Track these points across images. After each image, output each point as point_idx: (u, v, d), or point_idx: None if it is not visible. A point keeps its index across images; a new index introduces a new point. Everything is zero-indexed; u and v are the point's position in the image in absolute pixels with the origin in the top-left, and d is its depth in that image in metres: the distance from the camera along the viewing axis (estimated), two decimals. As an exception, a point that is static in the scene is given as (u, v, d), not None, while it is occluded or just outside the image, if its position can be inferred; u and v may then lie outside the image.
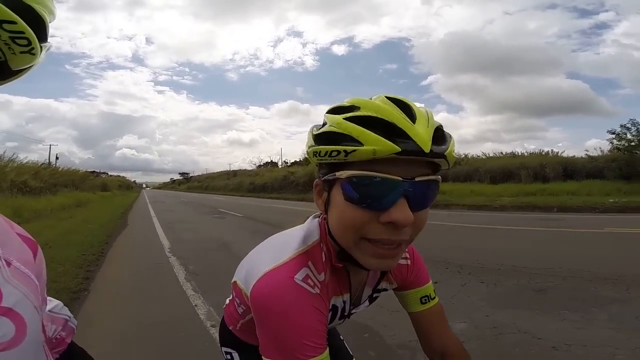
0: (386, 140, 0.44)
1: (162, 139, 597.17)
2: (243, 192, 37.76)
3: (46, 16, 0.33)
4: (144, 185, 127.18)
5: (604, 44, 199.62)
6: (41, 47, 0.34)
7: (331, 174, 0.50)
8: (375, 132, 0.45)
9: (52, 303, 0.63)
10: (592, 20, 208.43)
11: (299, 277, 0.52)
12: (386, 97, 0.50)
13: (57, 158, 38.30)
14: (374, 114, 0.47)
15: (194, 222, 9.28)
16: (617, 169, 14.91)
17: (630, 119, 14.81)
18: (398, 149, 0.44)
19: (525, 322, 2.43)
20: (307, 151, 0.55)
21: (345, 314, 0.67)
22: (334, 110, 0.52)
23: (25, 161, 17.46)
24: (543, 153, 21.07)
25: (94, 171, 50.04)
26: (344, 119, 0.48)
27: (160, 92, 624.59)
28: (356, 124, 0.46)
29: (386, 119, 0.46)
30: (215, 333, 2.27)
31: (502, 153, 22.92)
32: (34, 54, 0.33)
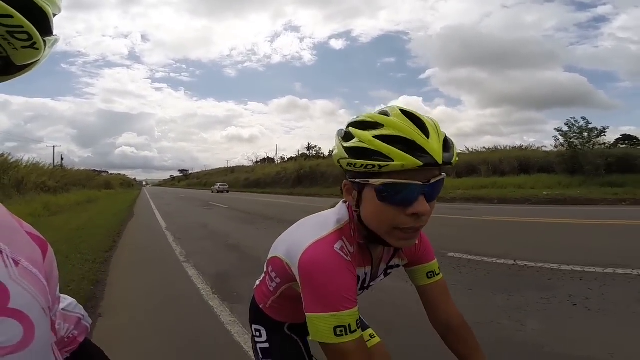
0: (411, 157, 0.57)
1: (161, 136, 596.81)
2: (239, 187, 39.77)
3: (48, 8, 0.32)
4: (144, 183, 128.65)
5: (602, 37, 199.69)
6: (45, 41, 0.33)
7: (364, 180, 0.62)
8: (400, 149, 0.57)
9: (66, 301, 0.64)
10: (590, 13, 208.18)
11: (337, 246, 0.67)
12: (400, 111, 0.62)
13: (62, 159, 40.42)
14: (397, 133, 0.59)
15: (186, 212, 11.61)
16: (563, 163, 16.75)
17: (569, 118, 16.68)
18: (420, 163, 0.57)
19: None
20: (338, 160, 0.66)
21: (365, 285, 0.81)
22: (358, 125, 0.63)
23: (30, 162, 19.57)
24: (529, 147, 22.50)
25: (95, 170, 52.41)
26: (373, 137, 0.60)
27: (158, 89, 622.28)
28: (384, 142, 0.58)
29: (407, 137, 0.58)
30: (182, 258, 4.38)
31: (469, 149, 25.10)
32: (37, 49, 0.32)
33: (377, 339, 1.01)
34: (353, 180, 0.65)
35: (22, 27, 0.29)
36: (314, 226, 0.72)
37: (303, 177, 26.14)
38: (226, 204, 14.63)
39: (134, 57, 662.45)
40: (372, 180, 0.60)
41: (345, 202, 0.74)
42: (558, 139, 17.21)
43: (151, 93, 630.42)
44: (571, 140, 16.53)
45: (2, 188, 12.26)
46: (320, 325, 0.62)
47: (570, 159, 16.48)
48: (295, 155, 44.47)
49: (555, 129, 17.30)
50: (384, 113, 0.63)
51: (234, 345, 2.18)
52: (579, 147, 16.25)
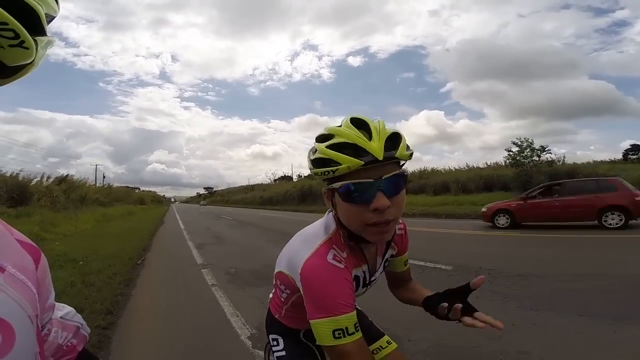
0: (353, 158, 0.65)
1: (189, 153, 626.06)
2: (255, 204, 43.90)
3: (40, 7, 0.31)
4: (173, 200, 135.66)
5: (625, 42, 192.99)
6: (36, 41, 0.32)
7: (330, 186, 0.72)
8: (346, 154, 0.66)
9: (64, 310, 0.64)
10: (609, 18, 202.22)
11: (329, 257, 0.74)
12: (351, 119, 0.70)
13: (104, 177, 46.58)
14: (344, 140, 0.67)
15: (201, 221, 15.82)
16: (516, 180, 18.46)
17: (515, 139, 18.48)
18: (362, 162, 0.64)
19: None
20: (311, 172, 0.74)
21: (367, 282, 0.88)
22: (318, 138, 0.72)
23: (84, 180, 24.59)
24: (493, 165, 24.92)
25: (127, 186, 58.80)
26: (325, 147, 0.68)
27: (186, 108, 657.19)
28: (333, 150, 0.67)
29: (351, 142, 0.66)
30: (194, 247, 8.17)
31: (447, 169, 27.78)
32: (27, 48, 0.31)
33: (393, 346, 1.08)
34: (326, 187, 0.74)
35: (7, 24, 0.29)
36: (307, 240, 0.79)
37: (306, 195, 29.97)
38: (231, 217, 18.91)
39: (164, 77, 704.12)
40: (334, 185, 0.70)
41: (331, 210, 0.80)
42: (507, 159, 18.94)
43: (180, 112, 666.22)
44: (517, 159, 18.43)
45: (72, 202, 16.84)
46: (321, 330, 0.68)
47: (517, 177, 18.51)
48: (307, 174, 48.49)
49: (505, 149, 19.07)
50: (341, 124, 0.72)
51: (201, 282, 5.94)
52: (525, 165, 18.19)
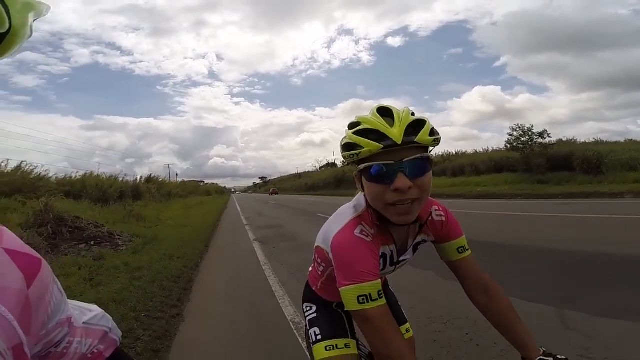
0: (373, 142, 0.72)
1: (244, 146, 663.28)
2: (302, 191, 49.17)
3: None
4: (233, 190, 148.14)
5: None
6: (4, 4, 0.27)
7: (358, 168, 0.79)
8: (369, 139, 0.73)
9: (90, 314, 0.59)
10: None
11: (357, 231, 0.82)
12: (378, 108, 0.78)
13: (177, 174, 55.45)
14: (368, 126, 0.75)
15: (253, 205, 21.19)
16: (520, 163, 20.37)
17: (514, 124, 20.14)
18: (381, 146, 0.71)
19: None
20: (342, 156, 0.82)
21: (395, 261, 0.93)
22: (349, 126, 0.80)
23: (167, 179, 31.50)
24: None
25: (194, 180, 68.25)
26: (352, 133, 0.77)
27: (236, 103, 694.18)
28: (358, 135, 0.75)
29: (374, 128, 0.74)
30: (244, 219, 13.00)
31: (461, 152, 29.64)
32: None
33: (410, 334, 1.17)
34: (357, 170, 0.81)
35: None
36: (339, 217, 0.89)
37: (340, 180, 34.16)
38: (275, 201, 24.15)
39: (213, 76, 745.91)
40: (360, 166, 0.78)
41: (362, 192, 0.85)
42: (509, 142, 20.59)
43: (232, 107, 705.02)
44: (515, 144, 20.13)
45: (161, 196, 23.12)
46: (348, 296, 0.76)
47: (518, 160, 20.28)
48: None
49: (507, 133, 20.67)
50: (369, 113, 0.79)
51: (243, 228, 10.68)
52: (525, 149, 19.84)
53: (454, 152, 31.59)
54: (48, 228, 6.47)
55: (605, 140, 23.37)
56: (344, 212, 0.90)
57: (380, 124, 0.74)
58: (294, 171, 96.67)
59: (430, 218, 0.91)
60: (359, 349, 1.06)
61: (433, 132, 0.75)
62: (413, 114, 0.77)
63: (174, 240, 6.99)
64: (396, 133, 0.72)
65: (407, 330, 1.18)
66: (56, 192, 11.21)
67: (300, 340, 2.37)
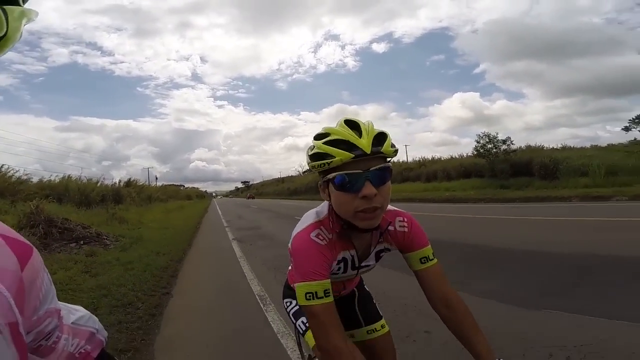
0: (345, 152, 0.77)
1: (226, 150, 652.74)
2: (284, 195, 49.77)
3: None
4: (214, 194, 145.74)
5: None
6: (5, 11, 0.30)
7: (325, 177, 0.83)
8: (340, 148, 0.78)
9: (77, 314, 0.60)
10: None
11: (313, 234, 0.89)
12: (345, 120, 0.83)
13: (156, 178, 54.86)
14: (338, 137, 0.79)
15: (234, 209, 21.66)
16: (487, 169, 21.73)
17: (481, 132, 21.37)
18: (352, 155, 0.77)
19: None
20: (308, 166, 0.86)
21: (356, 266, 1.00)
22: (316, 137, 0.84)
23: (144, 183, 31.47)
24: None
25: (174, 184, 67.73)
26: (322, 143, 0.80)
27: (219, 106, 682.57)
28: (329, 145, 0.79)
29: (344, 138, 0.79)
30: (225, 222, 13.63)
31: (431, 158, 31.26)
32: None
33: (385, 329, 1.22)
34: (322, 180, 0.85)
35: None
36: (302, 221, 0.95)
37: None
38: (256, 205, 24.76)
39: (196, 78, 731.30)
40: (329, 175, 0.81)
41: (328, 201, 0.89)
42: (477, 149, 21.91)
43: (215, 110, 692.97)
44: (481, 151, 21.46)
45: (142, 200, 23.28)
46: (298, 292, 0.84)
47: (484, 166, 21.70)
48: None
49: (475, 140, 21.92)
50: (336, 125, 0.84)
51: (224, 229, 11.36)
52: (490, 155, 21.14)
53: (430, 158, 33.17)
54: (40, 229, 6.98)
55: (572, 147, 25.08)
56: (308, 216, 0.96)
57: (350, 134, 0.79)
58: (277, 175, 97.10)
59: (391, 228, 0.96)
60: None
61: (393, 144, 0.83)
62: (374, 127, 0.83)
63: (158, 241, 7.62)
64: (365, 143, 0.77)
65: (383, 326, 1.22)
66: (35, 196, 11.50)
67: (262, 305, 3.18)
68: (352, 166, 0.78)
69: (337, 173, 0.79)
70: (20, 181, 13.75)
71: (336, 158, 0.78)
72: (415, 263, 0.96)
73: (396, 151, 0.84)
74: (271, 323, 2.76)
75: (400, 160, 40.31)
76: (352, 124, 0.82)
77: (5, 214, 7.91)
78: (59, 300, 0.50)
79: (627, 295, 2.73)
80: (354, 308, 1.24)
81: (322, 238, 0.89)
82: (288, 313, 1.21)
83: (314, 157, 0.83)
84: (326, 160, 0.79)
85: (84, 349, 0.58)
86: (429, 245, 0.98)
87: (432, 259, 0.96)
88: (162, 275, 4.45)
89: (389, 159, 0.84)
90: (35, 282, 0.41)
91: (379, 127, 0.83)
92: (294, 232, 0.94)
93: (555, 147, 25.81)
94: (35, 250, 0.42)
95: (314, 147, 0.83)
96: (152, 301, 3.39)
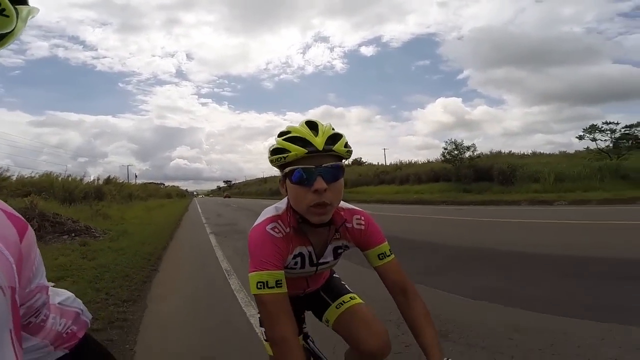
0: (299, 147, 0.84)
1: (209, 148, 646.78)
2: (265, 195, 50.06)
3: None
4: (195, 193, 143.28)
5: None
6: (16, 10, 0.32)
7: (283, 172, 0.89)
8: (296, 144, 0.85)
9: (63, 295, 0.63)
10: (632, 2, 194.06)
11: (269, 227, 0.93)
12: (306, 121, 0.90)
13: (136, 176, 54.47)
14: (296, 134, 0.86)
15: (214, 208, 22.42)
16: (453, 174, 23.25)
17: (448, 139, 23.16)
18: (305, 150, 0.84)
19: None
20: (269, 160, 0.91)
21: (315, 262, 1.04)
22: (279, 134, 0.91)
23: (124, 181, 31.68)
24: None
25: (154, 182, 67.28)
26: (282, 139, 0.88)
27: (204, 104, 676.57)
28: (287, 141, 0.86)
29: (301, 136, 0.86)
30: (204, 219, 14.51)
31: (409, 162, 33.14)
32: (7, 16, 0.31)
33: (356, 301, 1.24)
34: (281, 175, 0.91)
35: None
36: (261, 216, 0.99)
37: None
38: (235, 204, 25.68)
39: (181, 75, 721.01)
40: (285, 170, 0.88)
41: (286, 196, 0.95)
42: (444, 155, 23.71)
43: (198, 108, 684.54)
44: (447, 157, 23.22)
45: (122, 198, 23.71)
46: (250, 281, 0.88)
47: (451, 171, 23.40)
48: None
49: (442, 147, 23.77)
50: (299, 124, 0.90)
51: (202, 225, 12.33)
52: (455, 161, 22.85)
53: (407, 162, 34.86)
54: (34, 222, 7.81)
55: (547, 153, 27.30)
56: (267, 211, 1.01)
57: (307, 132, 0.87)
58: (260, 175, 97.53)
59: (348, 225, 1.02)
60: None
61: (347, 145, 0.90)
62: (333, 129, 0.90)
63: (142, 234, 8.56)
64: (319, 141, 0.85)
65: (352, 298, 1.25)
66: (17, 192, 12.08)
67: (227, 276, 4.32)
68: (307, 162, 0.85)
69: (292, 167, 0.86)
70: (3, 178, 14.20)
71: (291, 153, 0.85)
72: (373, 259, 1.01)
73: (349, 152, 0.90)
74: (231, 285, 3.91)
75: (378, 163, 42.18)
76: (311, 124, 0.89)
77: (0, 208, 8.66)
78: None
79: (469, 276, 4.01)
80: (319, 294, 1.29)
81: (277, 231, 0.93)
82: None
83: (273, 151, 0.90)
84: (283, 155, 0.86)
85: (71, 329, 0.61)
86: (386, 242, 1.02)
87: (390, 255, 1.01)
88: (150, 258, 5.49)
89: (345, 160, 0.92)
90: (30, 255, 0.43)
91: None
92: (252, 226, 0.98)
93: (518, 154, 28.07)
94: (29, 226, 0.44)
95: (276, 143, 0.90)
96: (143, 274, 4.46)
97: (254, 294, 0.87)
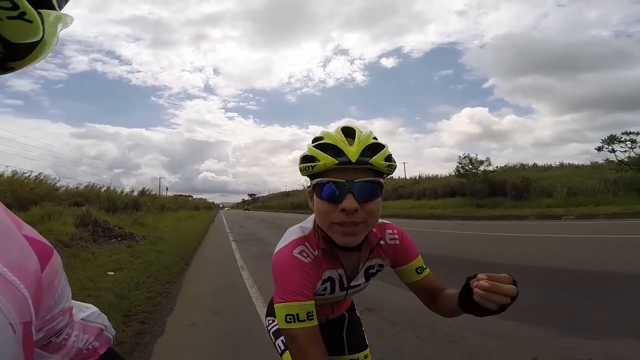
0: (330, 157, 0.73)
1: (235, 162, 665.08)
2: (287, 209, 51.60)
3: None
4: (221, 206, 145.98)
5: None
6: (41, 15, 0.29)
7: (311, 182, 0.79)
8: (327, 153, 0.74)
9: (88, 311, 0.61)
10: None
11: (296, 251, 0.82)
12: (342, 127, 0.80)
13: (167, 189, 57.89)
14: (329, 142, 0.76)
15: (238, 220, 24.13)
16: (467, 189, 23.25)
17: (462, 154, 23.37)
18: (336, 161, 0.73)
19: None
20: (299, 168, 0.81)
21: (345, 286, 0.93)
22: (313, 140, 0.82)
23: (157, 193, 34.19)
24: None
25: (182, 194, 70.84)
26: (312, 146, 0.78)
27: (230, 118, 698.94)
28: (318, 149, 0.76)
29: (333, 143, 0.75)
30: (228, 229, 16.02)
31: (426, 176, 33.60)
32: (29, 21, 0.29)
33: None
34: (310, 186, 0.82)
35: None
36: (287, 236, 0.88)
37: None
38: (257, 217, 27.27)
39: (208, 89, 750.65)
40: (313, 181, 0.78)
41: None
42: (458, 169, 23.85)
43: (225, 122, 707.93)
44: (461, 171, 23.40)
45: (155, 209, 25.90)
46: (278, 313, 0.77)
47: (465, 185, 23.53)
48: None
49: (457, 161, 23.90)
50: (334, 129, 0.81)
51: (226, 235, 13.79)
52: (469, 175, 23.00)
53: (425, 176, 35.35)
54: (89, 227, 9.50)
55: (577, 164, 26.55)
56: (292, 231, 0.89)
57: (340, 140, 0.76)
58: (283, 189, 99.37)
59: (382, 242, 0.92)
60: None
61: (389, 158, 0.77)
62: (375, 138, 0.79)
63: (176, 240, 10.08)
64: (353, 151, 0.74)
65: (366, 357, 1.19)
66: (67, 202, 14.08)
67: (241, 270, 5.60)
68: (338, 174, 0.75)
69: (320, 180, 0.76)
70: (56, 188, 16.45)
71: (320, 162, 0.75)
72: (411, 274, 0.93)
73: (391, 167, 0.78)
74: (242, 275, 5.19)
75: (398, 177, 42.51)
76: (347, 131, 0.80)
77: (63, 215, 10.46)
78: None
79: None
80: (342, 333, 1.22)
81: (306, 255, 0.83)
82: (268, 331, 1.15)
83: (303, 159, 0.80)
84: (310, 164, 0.76)
85: (92, 345, 0.60)
86: (420, 256, 0.96)
87: (426, 268, 0.95)
88: (183, 257, 6.91)
89: (386, 176, 0.80)
90: (53, 283, 0.42)
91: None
92: (277, 249, 0.87)
93: (542, 166, 27.82)
94: (55, 252, 0.43)
95: (307, 149, 0.81)
96: (179, 267, 5.84)
97: (283, 329, 0.76)
